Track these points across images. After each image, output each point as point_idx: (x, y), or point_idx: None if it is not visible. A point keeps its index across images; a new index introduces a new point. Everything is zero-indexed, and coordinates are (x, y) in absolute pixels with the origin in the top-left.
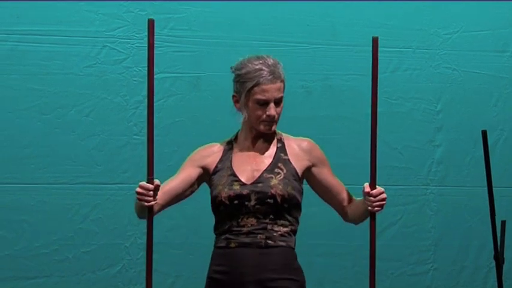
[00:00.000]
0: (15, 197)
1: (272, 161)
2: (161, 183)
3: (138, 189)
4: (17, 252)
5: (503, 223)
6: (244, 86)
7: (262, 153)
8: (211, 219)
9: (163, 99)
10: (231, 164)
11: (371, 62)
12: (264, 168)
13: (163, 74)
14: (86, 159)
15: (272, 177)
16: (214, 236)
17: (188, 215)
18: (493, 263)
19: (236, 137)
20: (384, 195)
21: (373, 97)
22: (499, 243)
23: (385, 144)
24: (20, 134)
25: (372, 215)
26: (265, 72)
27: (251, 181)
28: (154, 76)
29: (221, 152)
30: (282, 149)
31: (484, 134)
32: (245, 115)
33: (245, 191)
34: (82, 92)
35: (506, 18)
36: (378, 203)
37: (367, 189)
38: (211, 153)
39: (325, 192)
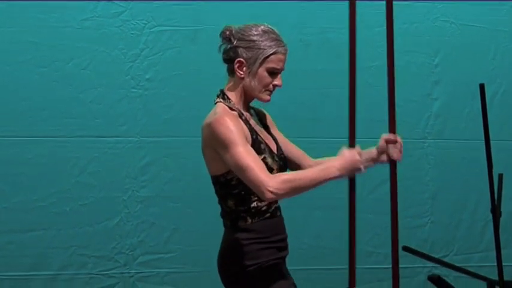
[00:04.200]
0: (13, 150)
1: (267, 131)
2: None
3: (359, 158)
4: (14, 205)
5: (501, 176)
6: (260, 52)
7: (257, 123)
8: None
9: (161, 52)
10: (258, 135)
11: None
12: (275, 142)
13: (160, 27)
14: (83, 113)
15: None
16: (252, 209)
17: (185, 168)
18: (490, 216)
19: (231, 105)
20: (401, 142)
21: (389, 49)
22: (496, 197)
23: (383, 98)
24: (17, 87)
25: (394, 164)
26: (281, 42)
27: (278, 155)
28: (151, 29)
29: (242, 122)
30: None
31: (482, 87)
32: (251, 82)
33: (278, 165)
34: (79, 45)
35: None
36: (400, 150)
37: (391, 137)
38: (242, 125)
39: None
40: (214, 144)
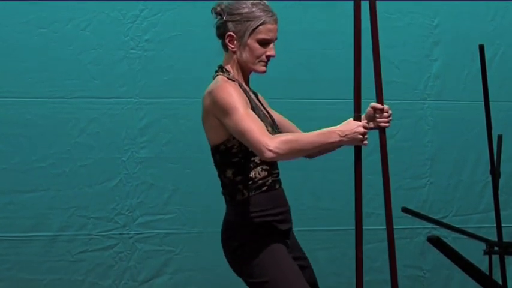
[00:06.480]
0: (12, 111)
1: (264, 107)
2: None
3: (364, 130)
4: (14, 166)
5: (500, 137)
6: (247, 24)
7: (256, 97)
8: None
9: (160, 13)
10: (257, 105)
11: None
12: (271, 119)
13: None
14: (82, 74)
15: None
16: (249, 180)
17: (185, 129)
18: (489, 177)
19: (230, 77)
20: (390, 111)
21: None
22: (495, 158)
23: (383, 59)
24: (17, 48)
25: (383, 131)
26: (270, 13)
27: (276, 127)
28: None
29: (243, 92)
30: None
31: (481, 48)
32: (242, 55)
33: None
34: (78, 6)
35: None
36: (389, 118)
37: (379, 106)
38: (242, 93)
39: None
40: (216, 111)
